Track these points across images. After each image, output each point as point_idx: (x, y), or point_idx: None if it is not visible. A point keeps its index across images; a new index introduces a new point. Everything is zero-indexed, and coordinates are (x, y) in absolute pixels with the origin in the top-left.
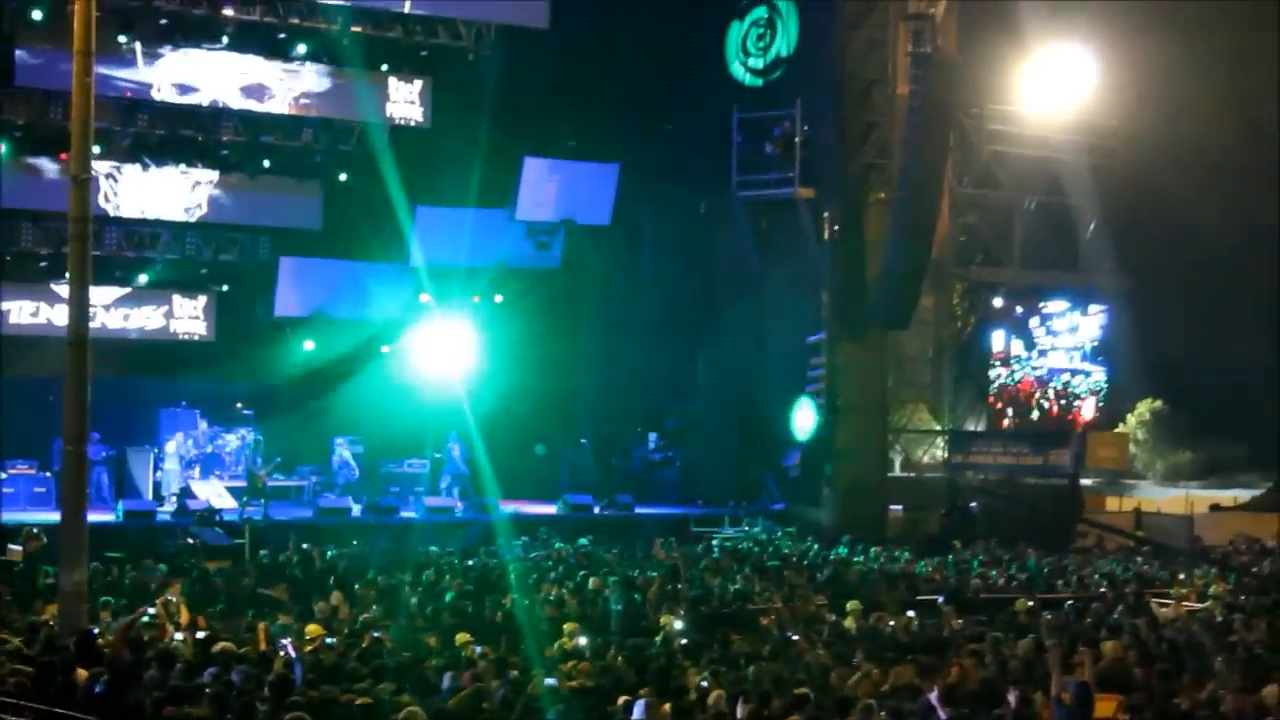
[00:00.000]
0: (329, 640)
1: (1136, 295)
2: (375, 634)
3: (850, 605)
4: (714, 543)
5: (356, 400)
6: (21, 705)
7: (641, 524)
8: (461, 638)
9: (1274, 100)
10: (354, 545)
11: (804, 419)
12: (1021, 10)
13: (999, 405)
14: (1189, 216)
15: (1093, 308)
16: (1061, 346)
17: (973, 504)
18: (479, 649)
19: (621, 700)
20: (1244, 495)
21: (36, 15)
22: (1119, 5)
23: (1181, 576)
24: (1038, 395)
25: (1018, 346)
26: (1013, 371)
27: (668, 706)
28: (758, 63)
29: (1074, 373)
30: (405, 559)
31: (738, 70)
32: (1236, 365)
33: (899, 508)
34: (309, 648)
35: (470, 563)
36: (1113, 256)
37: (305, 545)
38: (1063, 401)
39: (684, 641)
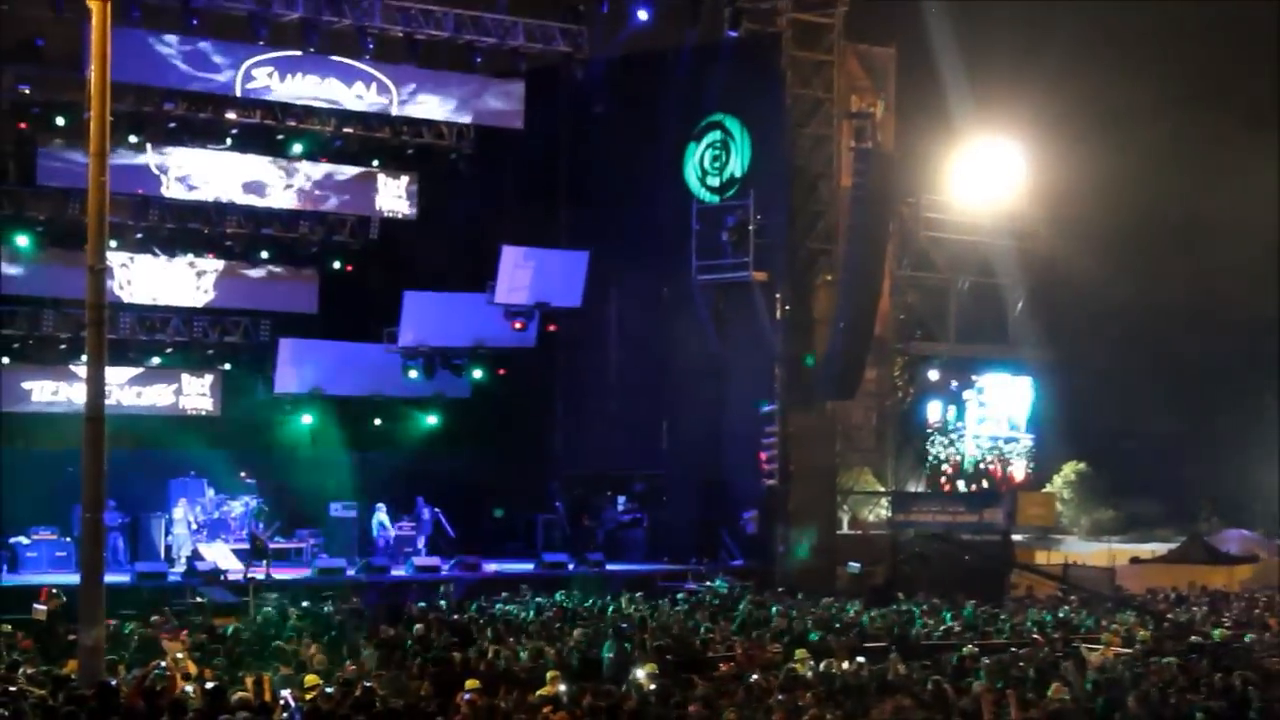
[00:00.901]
0: (328, 689)
1: (1060, 367)
2: (367, 684)
3: (799, 653)
4: (679, 596)
5: (351, 469)
6: None
7: (612, 580)
8: (470, 684)
9: (1183, 188)
10: (352, 602)
11: None
12: (953, 108)
13: (947, 472)
14: (1107, 295)
15: (1020, 379)
16: (993, 416)
17: (904, 558)
18: (468, 696)
19: None
20: (1161, 549)
21: (60, 121)
22: (1042, 103)
23: (1105, 624)
24: (982, 464)
25: (954, 416)
26: (952, 441)
27: None
28: (714, 181)
29: (1007, 440)
30: (397, 614)
31: (695, 187)
32: (1151, 430)
33: (857, 566)
34: (309, 696)
35: (456, 617)
36: (1038, 332)
37: (305, 603)
38: (998, 464)
39: (652, 687)
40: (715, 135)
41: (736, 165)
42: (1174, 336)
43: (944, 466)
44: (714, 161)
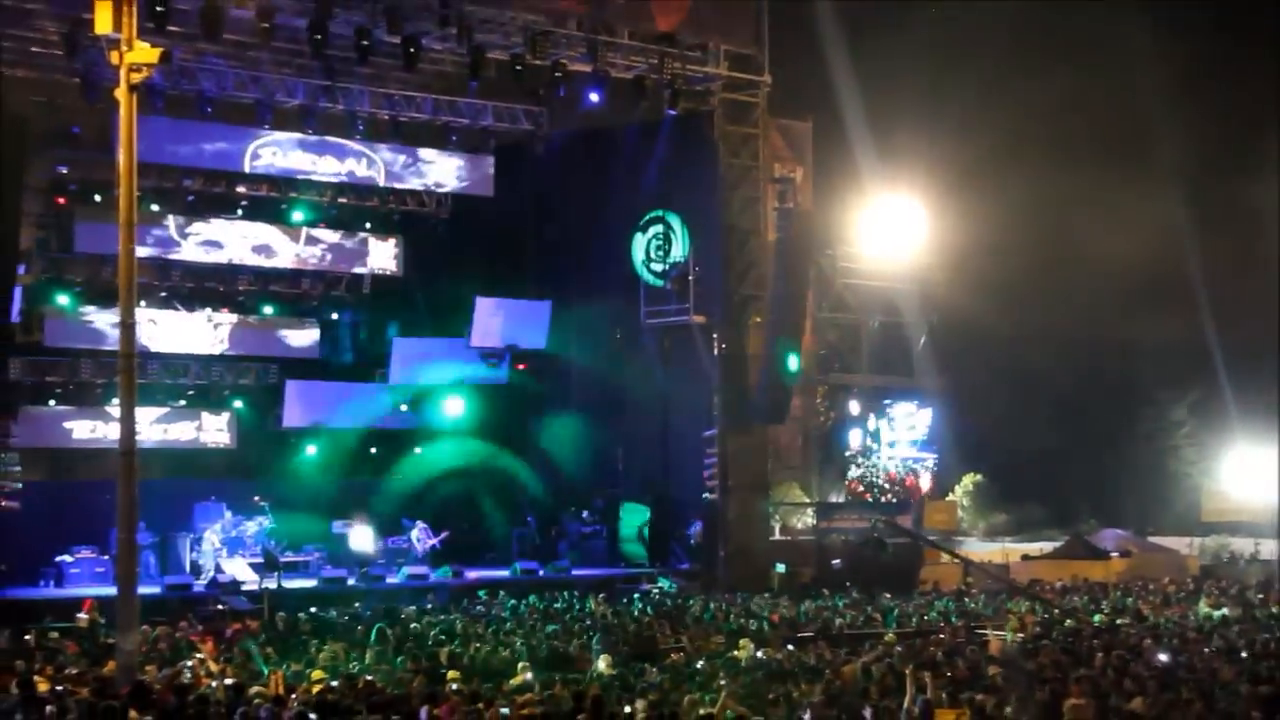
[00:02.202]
0: (334, 683)
1: (957, 392)
2: (369, 677)
3: (743, 643)
4: (635, 597)
5: (350, 492)
6: None
7: (577, 583)
8: (452, 675)
9: (1060, 235)
10: (354, 607)
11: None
12: (863, 171)
13: (876, 485)
14: (996, 329)
15: (923, 409)
16: (903, 440)
17: (836, 561)
18: (454, 686)
19: None
20: (1047, 547)
21: (96, 197)
22: (940, 165)
23: (1001, 612)
24: (895, 480)
25: (871, 435)
26: (871, 464)
27: None
28: (659, 267)
29: (915, 460)
30: (393, 617)
31: (641, 272)
32: (1035, 445)
33: (782, 566)
34: (316, 689)
35: (443, 618)
36: (938, 363)
37: (314, 609)
38: (911, 478)
39: (612, 674)
40: (658, 228)
41: (678, 253)
42: (1053, 363)
43: (879, 480)
44: (658, 250)
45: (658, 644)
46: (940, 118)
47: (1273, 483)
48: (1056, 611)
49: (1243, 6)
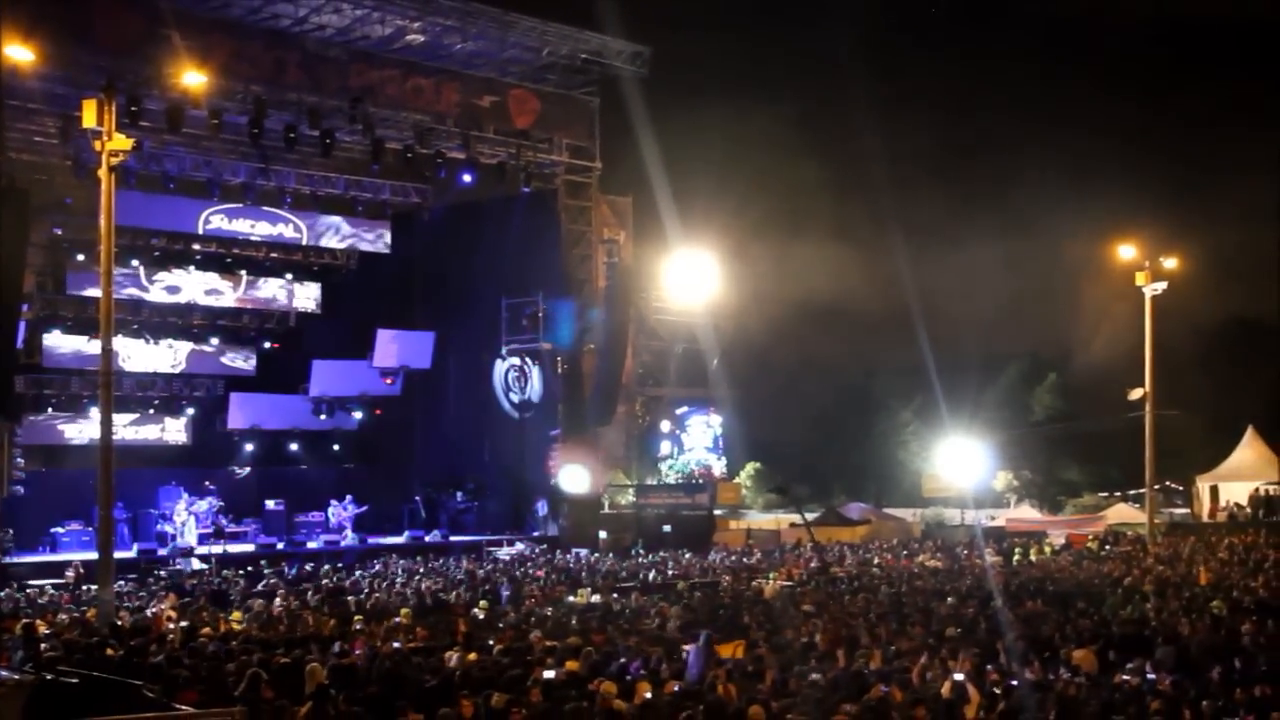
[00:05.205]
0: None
1: (741, 402)
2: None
3: (580, 591)
4: (500, 557)
5: (280, 478)
6: (74, 671)
7: (454, 547)
8: (358, 618)
9: (821, 283)
10: (281, 566)
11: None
12: (670, 235)
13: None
14: (771, 354)
15: (714, 415)
16: (699, 446)
17: (666, 527)
18: (358, 626)
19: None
20: (810, 516)
21: (79, 257)
22: (728, 228)
23: (772, 565)
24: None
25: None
26: (676, 457)
27: (472, 655)
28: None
29: (705, 459)
30: (313, 574)
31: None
32: (801, 440)
33: (605, 534)
34: (240, 629)
35: (352, 575)
36: (727, 380)
37: (250, 568)
38: (704, 467)
39: (480, 616)
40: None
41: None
42: (815, 379)
43: (674, 470)
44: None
45: (519, 592)
46: (727, 194)
47: (971, 467)
48: (817, 564)
49: (964, 124)
